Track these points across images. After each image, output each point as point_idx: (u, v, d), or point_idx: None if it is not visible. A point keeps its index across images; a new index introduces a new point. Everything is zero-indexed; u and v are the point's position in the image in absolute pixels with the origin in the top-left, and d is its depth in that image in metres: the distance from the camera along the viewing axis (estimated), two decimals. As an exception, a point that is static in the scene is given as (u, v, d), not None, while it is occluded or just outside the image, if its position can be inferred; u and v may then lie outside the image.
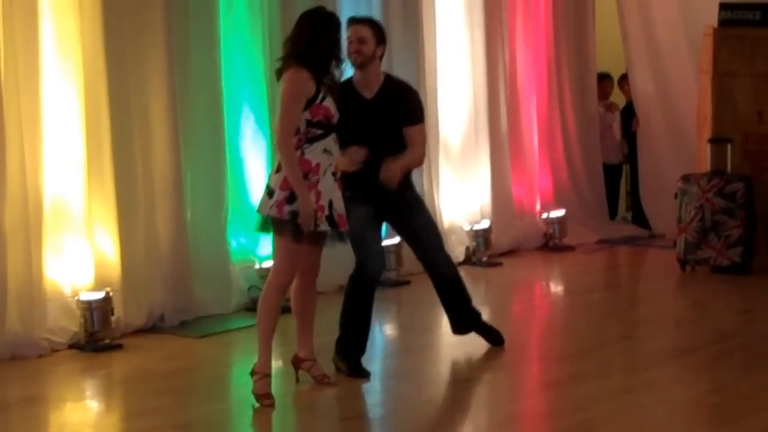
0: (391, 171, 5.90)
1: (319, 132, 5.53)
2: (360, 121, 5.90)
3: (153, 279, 7.15)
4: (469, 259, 9.32)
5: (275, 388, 5.57)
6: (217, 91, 7.56)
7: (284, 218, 5.44)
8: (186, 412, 5.61)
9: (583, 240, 10.28)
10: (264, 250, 7.74)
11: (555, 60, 10.51)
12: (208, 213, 7.56)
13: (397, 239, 7.82)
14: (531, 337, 7.41)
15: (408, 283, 8.48)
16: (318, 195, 5.49)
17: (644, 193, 10.76)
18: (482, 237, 9.35)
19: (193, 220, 7.44)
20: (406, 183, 6.14)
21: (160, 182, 7.23)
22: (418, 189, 6.67)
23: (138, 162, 7.11)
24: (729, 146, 8.92)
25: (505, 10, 9.86)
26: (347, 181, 5.78)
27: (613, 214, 11.29)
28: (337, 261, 7.04)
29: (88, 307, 6.69)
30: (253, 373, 5.54)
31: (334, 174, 5.59)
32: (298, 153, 5.47)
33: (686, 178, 8.88)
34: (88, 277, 6.88)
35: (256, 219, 5.64)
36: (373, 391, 5.92)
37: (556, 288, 9.18)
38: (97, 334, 6.72)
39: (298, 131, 5.48)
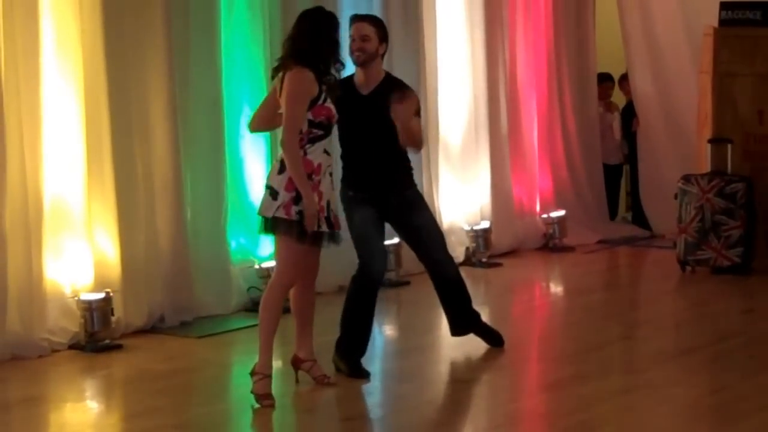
0: (401, 107, 5.69)
1: (320, 133, 5.53)
2: (356, 116, 5.89)
3: (153, 279, 7.15)
4: (469, 260, 9.31)
5: (275, 389, 5.56)
6: (217, 91, 7.56)
7: (293, 219, 5.44)
8: (186, 413, 5.61)
9: (583, 240, 10.27)
10: (264, 250, 7.74)
11: (555, 60, 10.50)
12: (207, 213, 7.55)
13: (396, 239, 7.81)
14: (531, 338, 7.40)
15: (408, 283, 8.47)
16: (320, 196, 5.50)
17: (644, 193, 10.75)
18: (482, 237, 9.34)
19: (193, 220, 7.44)
20: (407, 182, 6.14)
21: (160, 182, 7.22)
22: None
23: (138, 162, 7.11)
24: (729, 146, 8.92)
25: (505, 10, 9.85)
26: (350, 181, 5.76)
27: (613, 214, 11.29)
28: (337, 261, 7.06)
29: (88, 307, 6.69)
30: (253, 374, 5.53)
31: (331, 174, 5.60)
32: (301, 153, 5.47)
33: (686, 179, 8.87)
34: (88, 278, 6.87)
35: (259, 221, 5.62)
36: (373, 392, 5.91)
37: (556, 288, 9.18)
38: (97, 334, 6.72)
39: (300, 131, 5.49)
